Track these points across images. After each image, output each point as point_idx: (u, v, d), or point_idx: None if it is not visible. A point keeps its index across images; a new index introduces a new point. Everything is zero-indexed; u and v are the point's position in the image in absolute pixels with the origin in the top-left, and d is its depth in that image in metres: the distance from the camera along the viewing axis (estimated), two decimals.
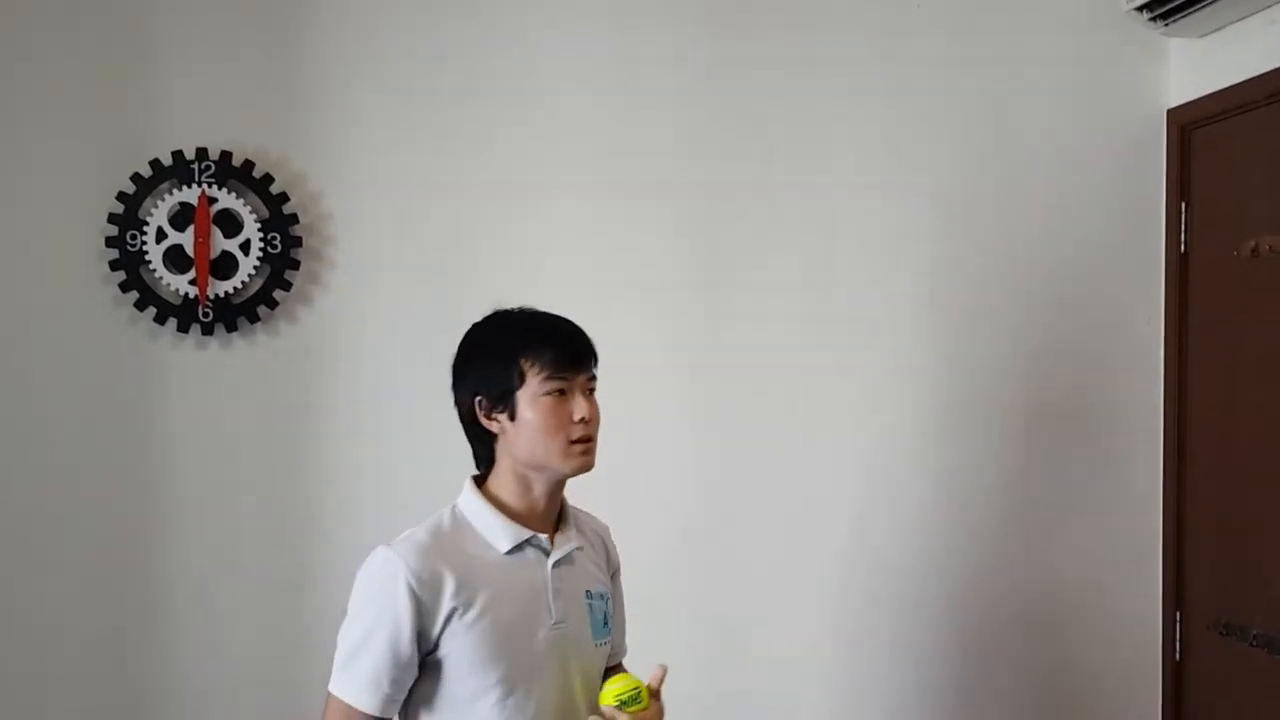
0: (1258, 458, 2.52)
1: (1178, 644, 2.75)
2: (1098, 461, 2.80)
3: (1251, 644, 2.48)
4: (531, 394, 1.59)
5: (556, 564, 1.64)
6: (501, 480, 1.65)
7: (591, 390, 1.64)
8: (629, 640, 1.89)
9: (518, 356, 1.60)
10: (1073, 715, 2.78)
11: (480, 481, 1.68)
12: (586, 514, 1.81)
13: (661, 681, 1.64)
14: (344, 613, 1.62)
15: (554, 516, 1.68)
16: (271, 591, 2.61)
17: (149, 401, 2.59)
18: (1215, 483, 2.67)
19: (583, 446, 1.60)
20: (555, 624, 1.61)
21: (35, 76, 2.53)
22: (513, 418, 1.61)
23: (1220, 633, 2.58)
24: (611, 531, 1.86)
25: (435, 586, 1.54)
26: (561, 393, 1.59)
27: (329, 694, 1.58)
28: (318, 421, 2.63)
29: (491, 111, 2.66)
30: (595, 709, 1.60)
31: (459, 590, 1.54)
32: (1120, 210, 2.80)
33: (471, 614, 1.54)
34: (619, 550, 1.86)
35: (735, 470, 2.71)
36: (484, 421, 1.63)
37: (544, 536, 1.64)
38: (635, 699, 1.58)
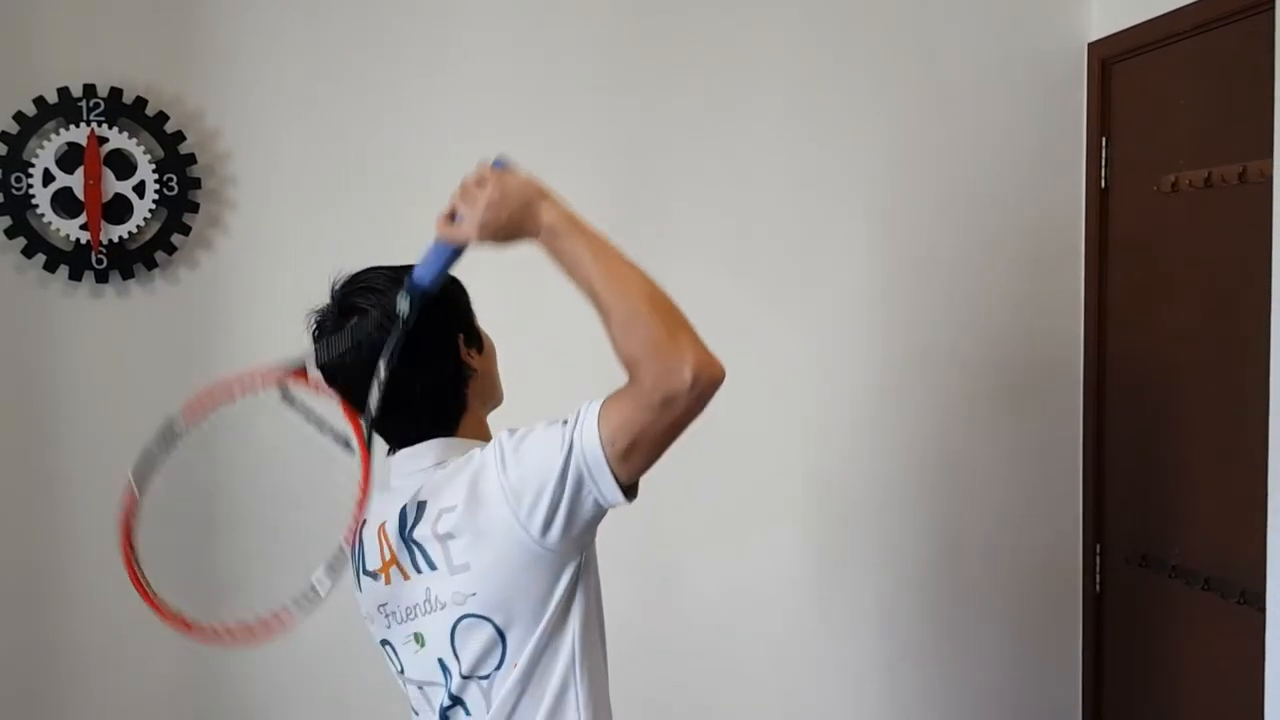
0: (1176, 391, 2.54)
1: (1097, 576, 2.79)
2: (1019, 396, 2.81)
3: (1170, 575, 2.51)
4: (478, 323, 1.55)
5: None
6: (472, 428, 1.51)
7: None
8: None
9: (464, 299, 1.53)
10: (998, 644, 2.81)
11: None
12: None
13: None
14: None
15: None
16: (176, 554, 2.50)
17: (40, 353, 2.46)
18: (1134, 417, 2.70)
19: None
20: None
21: None
22: (481, 349, 1.53)
23: (1139, 565, 2.62)
24: None
25: None
26: None
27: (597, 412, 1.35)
28: (221, 368, 2.51)
29: (401, 46, 2.54)
30: None
31: None
32: (1042, 145, 2.78)
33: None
34: None
35: None
36: (468, 360, 1.50)
37: None
38: None
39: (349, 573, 1.50)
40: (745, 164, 2.67)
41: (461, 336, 1.49)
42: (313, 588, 1.32)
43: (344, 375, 1.45)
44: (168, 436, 1.39)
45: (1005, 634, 2.81)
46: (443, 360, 1.46)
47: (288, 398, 1.42)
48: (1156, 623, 2.61)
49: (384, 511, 1.47)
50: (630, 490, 1.36)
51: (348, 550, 1.39)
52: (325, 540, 1.36)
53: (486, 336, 1.55)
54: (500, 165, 1.36)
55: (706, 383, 1.29)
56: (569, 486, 1.33)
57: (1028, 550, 2.81)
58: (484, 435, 1.52)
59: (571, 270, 1.35)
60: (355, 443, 1.39)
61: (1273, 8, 1.77)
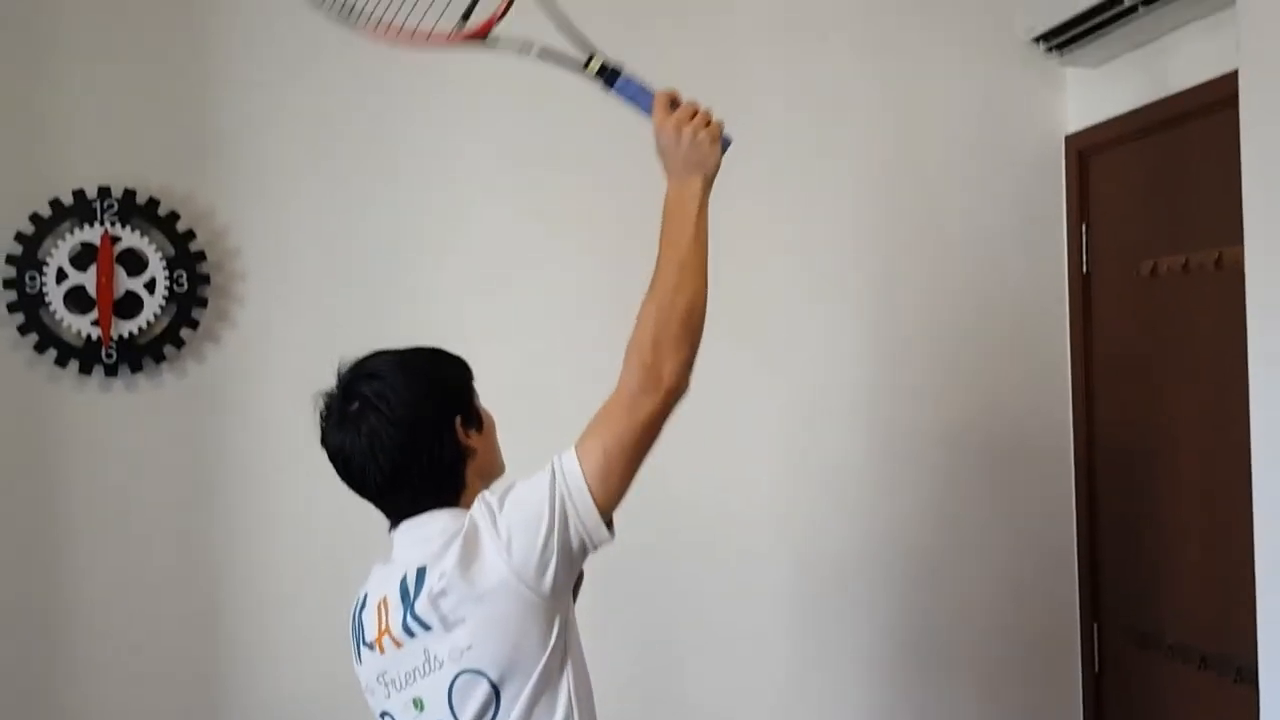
0: (1164, 469, 2.59)
1: (1096, 655, 2.80)
2: (1011, 475, 2.85)
3: (1167, 654, 2.53)
4: (478, 402, 1.62)
5: None
6: (470, 502, 1.54)
7: None
8: None
9: (465, 377, 1.61)
10: None
11: None
12: None
13: None
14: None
15: None
16: (177, 638, 2.53)
17: (50, 445, 2.50)
18: (1125, 495, 2.74)
19: None
20: None
21: None
22: (480, 428, 1.59)
23: (1137, 643, 2.64)
24: None
25: None
26: None
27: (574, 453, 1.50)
28: (227, 463, 2.57)
29: (403, 144, 2.64)
30: None
31: None
32: (1024, 233, 2.87)
33: None
34: None
35: (660, 485, 2.70)
36: (465, 440, 1.56)
37: None
38: None
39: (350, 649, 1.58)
40: (731, 241, 2.73)
41: (459, 419, 1.55)
42: None
43: (344, 460, 1.53)
44: None
45: (1005, 715, 2.81)
46: (440, 443, 1.53)
47: None
48: (1156, 702, 2.62)
49: (384, 586, 1.53)
50: (610, 525, 1.48)
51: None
52: None
53: (486, 414, 1.63)
54: (726, 143, 1.60)
55: (674, 387, 1.47)
56: (558, 522, 1.43)
57: (1025, 629, 2.82)
58: None
59: (669, 234, 1.55)
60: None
61: (1237, 105, 1.86)
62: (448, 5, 1.70)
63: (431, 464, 1.52)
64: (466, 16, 1.65)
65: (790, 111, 2.78)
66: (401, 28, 1.66)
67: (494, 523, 1.45)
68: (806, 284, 2.78)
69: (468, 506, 1.53)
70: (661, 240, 1.53)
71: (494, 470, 1.63)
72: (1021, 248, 2.87)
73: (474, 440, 1.57)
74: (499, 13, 1.64)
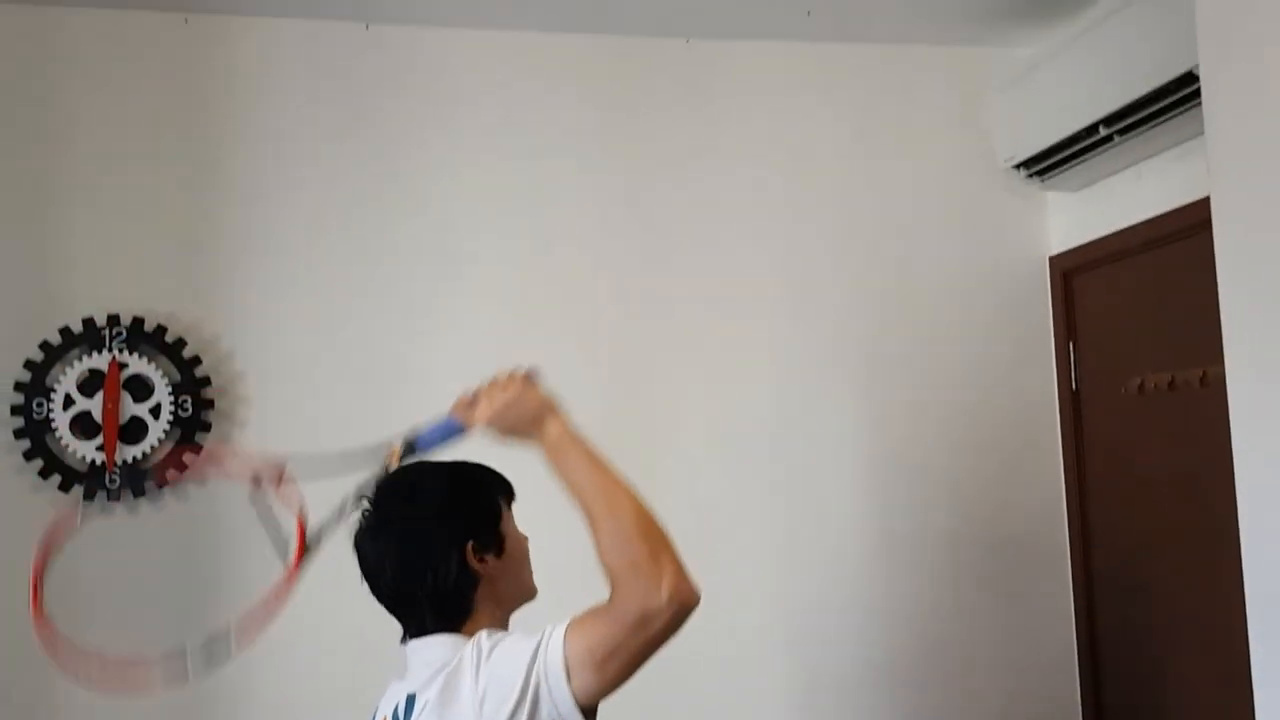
0: (1159, 577, 2.61)
1: None
2: (1013, 588, 2.86)
3: None
4: (510, 524, 1.59)
5: None
6: (485, 626, 1.51)
7: None
8: None
9: (495, 497, 1.58)
10: None
11: None
12: None
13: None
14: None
15: None
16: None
17: (50, 569, 2.50)
18: (1122, 603, 2.75)
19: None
20: None
21: None
22: (500, 554, 1.55)
23: None
24: None
25: None
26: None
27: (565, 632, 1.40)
28: (229, 587, 2.56)
29: (404, 271, 2.71)
30: None
31: None
32: (1014, 350, 2.95)
33: None
34: None
35: None
36: (477, 565, 1.52)
37: None
38: None
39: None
40: (729, 357, 2.82)
41: (472, 544, 1.51)
42: (183, 656, 1.35)
43: (363, 568, 1.55)
44: (218, 649, 1.42)
45: None
46: (446, 566, 1.50)
47: (255, 493, 1.47)
48: None
49: (388, 705, 1.53)
50: (589, 712, 1.39)
51: (233, 644, 1.44)
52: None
53: (516, 539, 1.58)
54: (529, 374, 1.53)
55: (681, 605, 1.37)
56: (529, 699, 1.37)
57: None
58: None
59: (568, 481, 1.48)
60: (289, 558, 1.44)
61: (1209, 228, 1.94)
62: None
63: (436, 586, 1.50)
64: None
65: (782, 240, 2.88)
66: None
67: (477, 670, 1.41)
68: (803, 397, 2.84)
69: (474, 632, 1.51)
70: (571, 492, 1.47)
71: (517, 595, 1.58)
72: (1012, 365, 2.94)
73: (490, 566, 1.53)
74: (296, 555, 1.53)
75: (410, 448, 1.50)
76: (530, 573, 1.61)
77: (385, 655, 1.64)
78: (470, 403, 1.54)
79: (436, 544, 1.51)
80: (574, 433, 1.50)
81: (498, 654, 1.42)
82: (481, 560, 1.52)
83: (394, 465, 1.50)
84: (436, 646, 1.50)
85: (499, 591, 1.54)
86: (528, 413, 1.52)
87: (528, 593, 1.60)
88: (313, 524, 1.41)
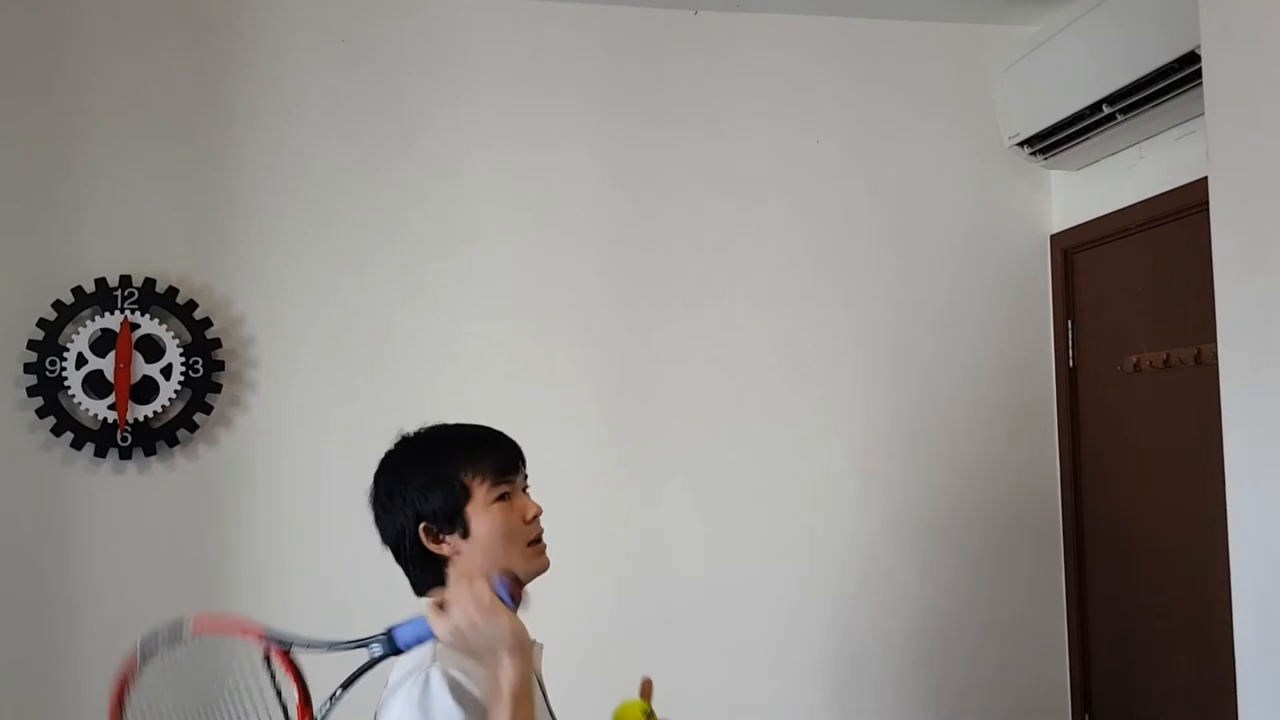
0: (1151, 555, 2.65)
1: None
2: (1005, 568, 2.91)
3: None
4: (482, 505, 1.53)
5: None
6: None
7: (526, 489, 1.61)
8: None
9: (458, 472, 1.54)
10: None
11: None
12: None
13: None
14: None
15: None
16: None
17: (63, 528, 2.56)
18: (1114, 582, 2.79)
19: (539, 545, 1.57)
20: None
21: None
22: (465, 535, 1.53)
23: None
24: None
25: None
26: (505, 497, 1.55)
27: None
28: (237, 545, 2.62)
29: (413, 237, 2.74)
30: None
31: None
32: (1013, 327, 2.98)
33: None
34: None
35: (664, 602, 2.76)
36: (432, 546, 1.53)
37: (538, 644, 1.55)
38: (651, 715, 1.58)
39: None
40: (729, 333, 2.85)
41: (424, 525, 1.52)
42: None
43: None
44: (174, 633, 1.47)
45: None
46: (402, 543, 1.54)
47: (266, 663, 1.47)
48: None
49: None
50: None
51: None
52: None
53: (493, 518, 1.53)
54: (503, 594, 1.42)
55: None
56: None
57: (1015, 717, 2.86)
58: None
59: None
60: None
61: (1207, 208, 1.96)
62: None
63: (409, 557, 1.55)
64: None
65: (785, 215, 2.90)
66: None
67: (382, 708, 1.45)
68: (805, 372, 2.87)
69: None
70: None
71: (503, 569, 1.49)
72: (1011, 341, 2.97)
73: (453, 545, 1.52)
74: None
75: (391, 642, 1.45)
76: (521, 549, 1.54)
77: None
78: (442, 609, 1.42)
79: (390, 523, 1.55)
80: (517, 691, 1.41)
81: (387, 710, 1.45)
82: (439, 540, 1.53)
83: (372, 657, 1.44)
84: (409, 658, 1.50)
85: (474, 568, 1.50)
86: (488, 644, 1.40)
87: (518, 568, 1.51)
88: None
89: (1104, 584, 2.83)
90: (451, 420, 1.64)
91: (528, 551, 1.55)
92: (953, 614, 2.87)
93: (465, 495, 1.53)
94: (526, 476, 1.62)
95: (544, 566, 1.57)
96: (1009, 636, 2.89)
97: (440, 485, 1.54)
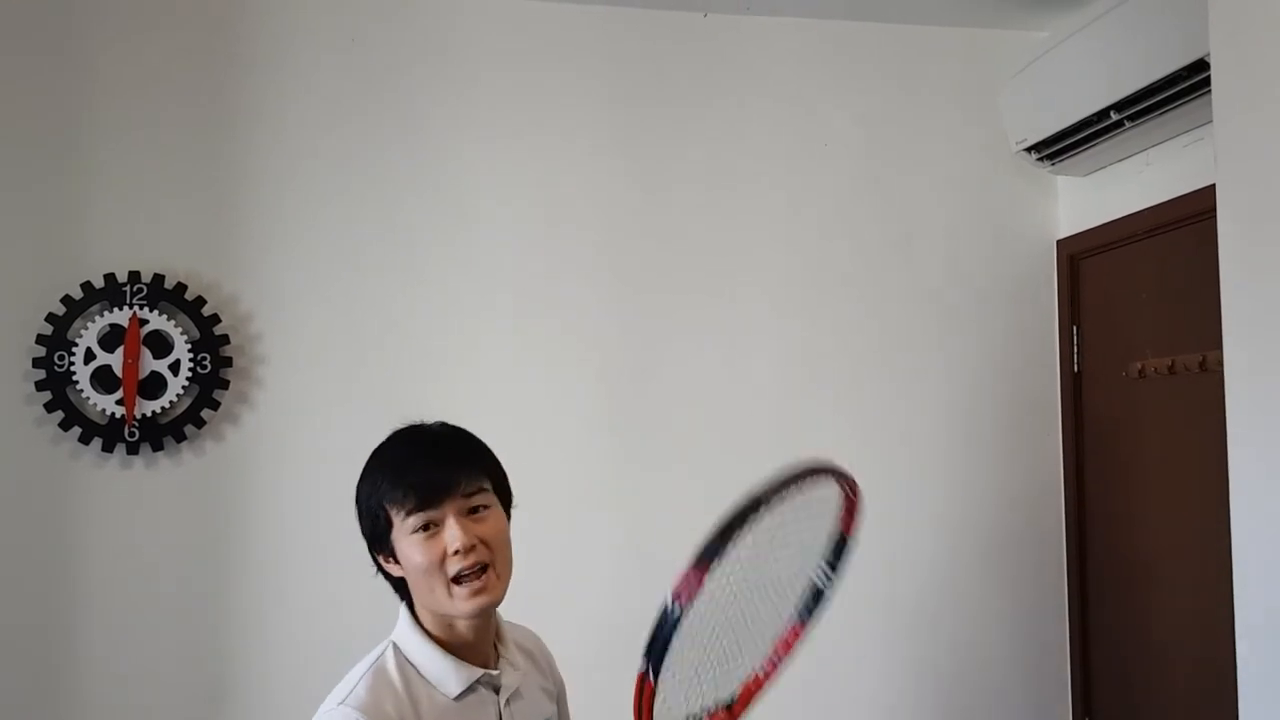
0: (1153, 560, 2.65)
1: None
2: (1007, 570, 2.91)
3: None
4: (403, 536, 1.40)
5: (508, 701, 1.46)
6: (425, 616, 1.44)
7: (475, 510, 1.41)
8: None
9: (380, 502, 1.42)
10: None
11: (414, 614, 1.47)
12: (521, 629, 1.61)
13: None
14: None
15: (490, 643, 1.48)
16: (189, 711, 2.56)
17: (68, 521, 2.57)
18: (1114, 588, 2.80)
19: (471, 583, 1.38)
20: None
21: None
22: (399, 562, 1.43)
23: None
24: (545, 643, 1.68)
25: None
26: (428, 527, 1.38)
27: None
28: (242, 541, 2.63)
29: (420, 234, 2.75)
30: None
31: None
32: (1018, 333, 2.98)
33: None
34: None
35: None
36: (386, 567, 1.45)
37: (495, 672, 1.45)
38: None
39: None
40: (735, 334, 2.86)
41: (378, 548, 1.45)
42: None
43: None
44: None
45: None
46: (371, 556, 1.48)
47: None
48: None
49: None
50: None
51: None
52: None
53: (410, 553, 1.39)
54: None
55: None
56: None
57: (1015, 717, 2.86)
58: (444, 625, 1.43)
59: None
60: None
61: (1215, 215, 1.97)
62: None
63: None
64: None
65: (792, 218, 2.91)
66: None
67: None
68: (809, 374, 2.88)
69: (425, 618, 1.45)
70: None
71: (430, 603, 1.41)
72: (1017, 346, 2.97)
73: (399, 569, 1.42)
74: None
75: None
76: (444, 587, 1.38)
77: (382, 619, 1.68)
78: None
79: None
80: None
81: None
82: (388, 560, 1.44)
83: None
84: (374, 650, 1.48)
85: (415, 594, 1.43)
86: None
87: (444, 609, 1.40)
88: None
89: (1106, 588, 2.83)
90: (450, 420, 1.52)
91: (453, 589, 1.38)
92: (954, 615, 2.87)
93: (388, 525, 1.41)
94: (476, 493, 1.41)
95: (476, 607, 1.39)
96: (1010, 638, 2.89)
97: (366, 512, 1.44)
